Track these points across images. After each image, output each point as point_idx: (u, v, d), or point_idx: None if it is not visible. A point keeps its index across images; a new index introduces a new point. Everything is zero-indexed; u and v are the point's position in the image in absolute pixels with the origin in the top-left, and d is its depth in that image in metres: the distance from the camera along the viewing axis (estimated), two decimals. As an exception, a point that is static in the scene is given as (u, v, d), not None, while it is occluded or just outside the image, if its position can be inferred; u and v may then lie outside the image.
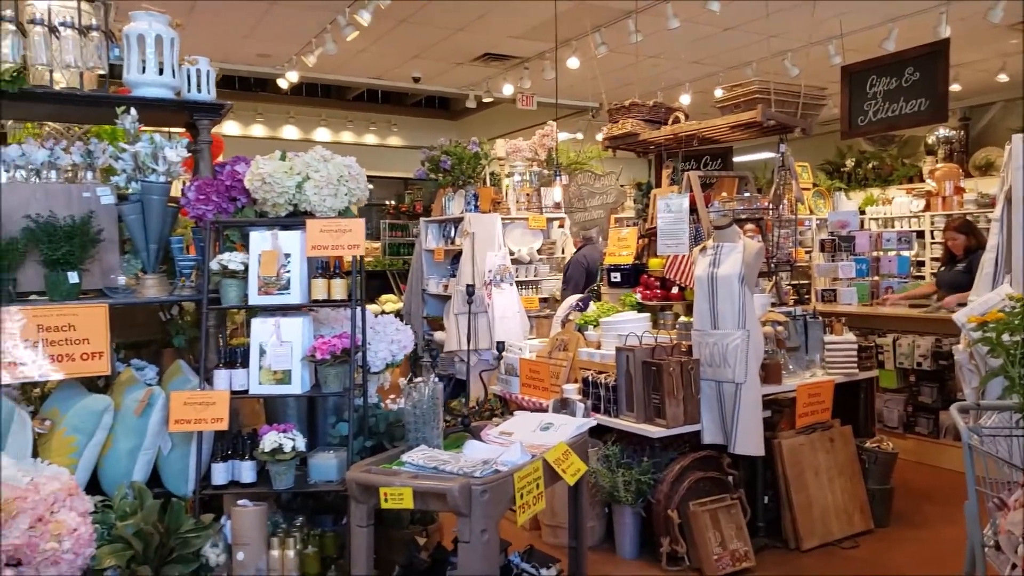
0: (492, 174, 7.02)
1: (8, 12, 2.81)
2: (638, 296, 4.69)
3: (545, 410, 3.92)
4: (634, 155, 6.15)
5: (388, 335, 3.23)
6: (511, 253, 6.48)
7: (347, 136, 12.53)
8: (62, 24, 2.89)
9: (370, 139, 12.73)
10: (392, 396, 3.77)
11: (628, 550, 3.83)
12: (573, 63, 8.13)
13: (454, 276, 6.65)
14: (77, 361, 2.82)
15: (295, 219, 2.99)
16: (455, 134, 13.37)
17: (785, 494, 3.85)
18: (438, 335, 6.65)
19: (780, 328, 4.09)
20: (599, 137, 10.08)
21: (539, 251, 6.79)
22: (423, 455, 2.60)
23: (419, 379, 2.86)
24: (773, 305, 4.44)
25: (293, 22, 7.72)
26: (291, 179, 2.92)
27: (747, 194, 4.88)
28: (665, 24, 6.91)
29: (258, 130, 11.79)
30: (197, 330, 3.41)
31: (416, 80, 9.79)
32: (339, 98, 12.12)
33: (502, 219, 6.48)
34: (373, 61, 9.26)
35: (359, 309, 2.99)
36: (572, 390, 4.21)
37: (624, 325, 4.22)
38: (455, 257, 6.72)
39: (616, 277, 4.96)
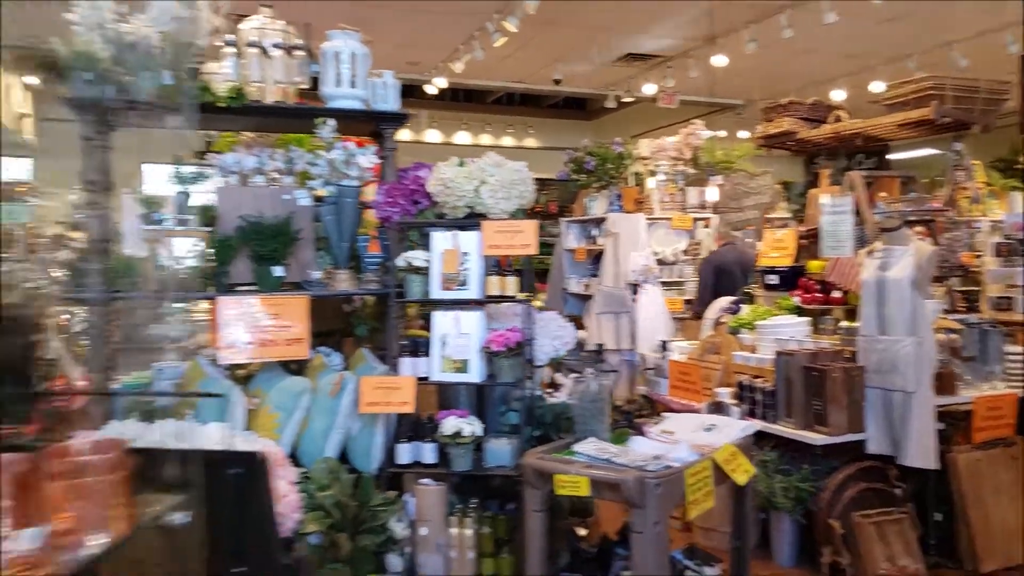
0: (636, 174, 7.05)
1: (230, 37, 3.17)
2: (796, 299, 4.59)
3: (694, 413, 3.95)
4: (783, 154, 6.01)
5: (551, 331, 3.37)
6: (655, 253, 6.49)
7: (486, 139, 12.90)
8: (273, 45, 3.22)
9: (507, 141, 13.03)
10: (548, 390, 3.91)
11: (785, 557, 3.78)
12: (720, 60, 8.01)
13: (595, 276, 6.74)
14: (281, 346, 3.14)
15: (470, 220, 3.19)
16: (591, 134, 13.44)
17: (962, 511, 3.67)
18: (580, 334, 6.77)
19: (954, 336, 3.90)
20: (742, 135, 9.91)
21: (684, 252, 6.75)
22: (594, 447, 2.71)
23: (587, 375, 2.98)
24: (945, 312, 4.23)
25: (443, 31, 8.06)
26: (469, 183, 3.12)
27: (913, 194, 4.67)
28: (820, 19, 6.69)
29: (404, 134, 12.34)
30: (377, 321, 3.71)
31: (557, 82, 9.96)
32: (479, 102, 12.49)
33: (646, 219, 6.50)
34: (516, 65, 9.50)
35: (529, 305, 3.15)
36: (726, 394, 4.20)
37: (783, 329, 4.16)
38: (596, 257, 6.80)
39: (773, 279, 4.87)
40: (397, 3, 7.24)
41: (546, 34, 8.13)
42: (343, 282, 3.28)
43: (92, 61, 3.10)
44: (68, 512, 1.11)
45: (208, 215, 3.31)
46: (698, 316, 6.27)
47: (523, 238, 3.04)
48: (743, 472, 2.75)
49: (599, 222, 6.66)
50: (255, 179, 3.36)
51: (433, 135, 12.44)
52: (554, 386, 4.11)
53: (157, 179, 3.51)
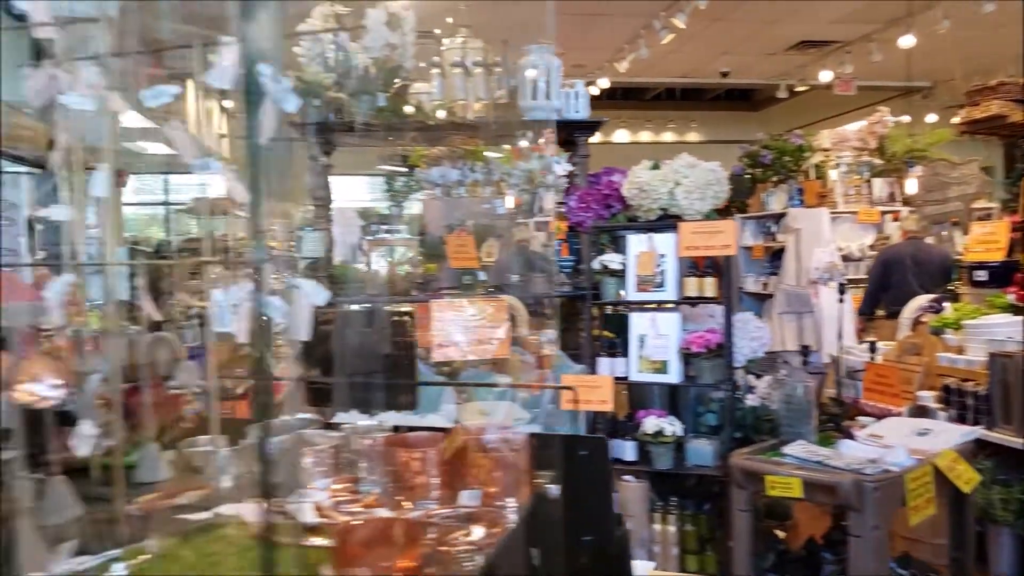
0: (816, 166, 6.77)
1: (435, 59, 3.43)
2: (1011, 297, 4.24)
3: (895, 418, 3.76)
4: (980, 140, 5.54)
5: (749, 332, 3.35)
6: (839, 250, 6.21)
7: (645, 135, 12.81)
8: (474, 64, 3.44)
9: (668, 136, 12.87)
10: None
11: (1006, 571, 3.53)
12: (907, 41, 7.50)
13: (774, 274, 6.54)
14: (485, 345, 3.35)
15: (662, 222, 3.25)
16: (756, 126, 12.98)
17: None
18: (757, 333, 6.60)
19: None
20: (930, 119, 9.21)
21: (871, 247, 6.40)
22: (803, 449, 2.69)
23: (787, 375, 2.95)
24: None
25: (609, 31, 8.13)
26: (665, 186, 3.18)
27: None
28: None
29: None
30: (564, 322, 3.85)
31: (724, 75, 9.74)
32: (637, 99, 12.43)
33: (830, 214, 6.23)
34: (681, 60, 9.39)
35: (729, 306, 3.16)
36: (929, 398, 3.96)
37: (997, 328, 3.86)
38: (774, 254, 6.60)
39: (981, 276, 4.53)
40: (566, 9, 7.39)
41: (714, 28, 7.99)
42: (540, 285, 3.45)
43: (318, 89, 3.47)
44: (493, 481, 1.38)
45: (417, 225, 3.59)
46: (863, 314, 5.94)
47: (722, 239, 3.06)
48: (967, 480, 2.62)
49: (778, 218, 6.47)
50: (458, 191, 3.60)
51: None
52: (747, 387, 4.06)
53: (365, 192, 3.86)
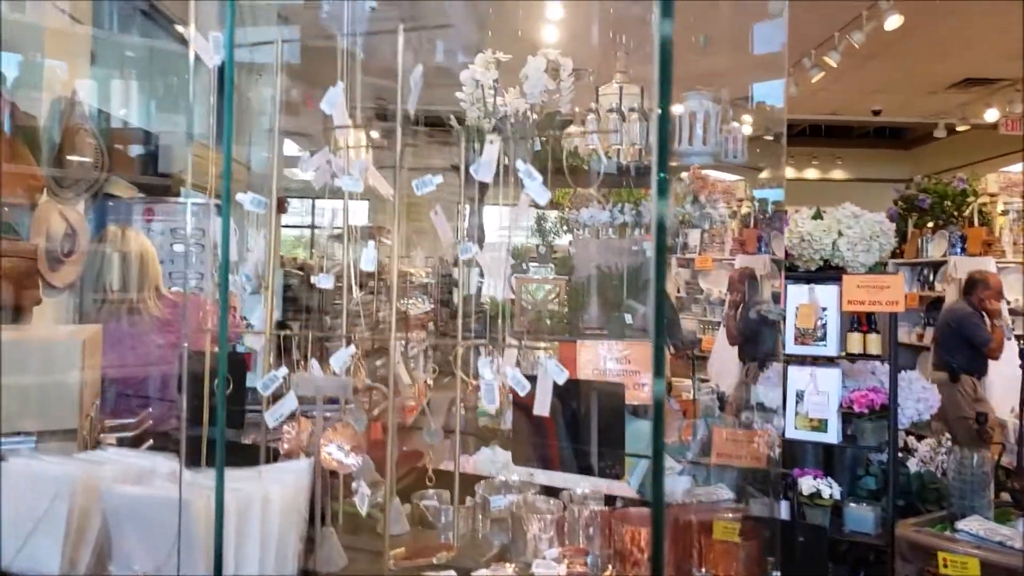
0: (981, 212, 6.32)
1: (593, 105, 3.49)
2: None
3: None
4: None
5: (915, 392, 3.16)
6: (1008, 303, 5.74)
7: (788, 172, 12.40)
8: (630, 109, 3.48)
9: (811, 174, 12.41)
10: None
11: None
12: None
13: (929, 325, 6.14)
14: (630, 389, 3.33)
15: (822, 273, 3.14)
16: (908, 165, 12.29)
17: None
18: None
19: None
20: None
21: (1045, 301, 5.89)
22: (980, 526, 2.49)
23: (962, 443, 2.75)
24: None
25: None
26: (828, 237, 3.08)
27: None
28: None
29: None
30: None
31: (876, 113, 9.31)
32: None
33: (996, 263, 5.79)
34: (830, 98, 9.06)
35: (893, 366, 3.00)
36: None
37: None
38: (931, 304, 6.20)
39: None
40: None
41: (868, 66, 7.67)
42: (686, 329, 3.40)
43: (478, 134, 3.61)
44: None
45: (566, 265, 3.65)
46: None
47: (889, 294, 2.92)
48: None
49: (936, 266, 6.08)
50: (607, 232, 3.63)
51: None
52: (906, 450, 3.82)
53: (515, 230, 3.96)
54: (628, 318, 3.43)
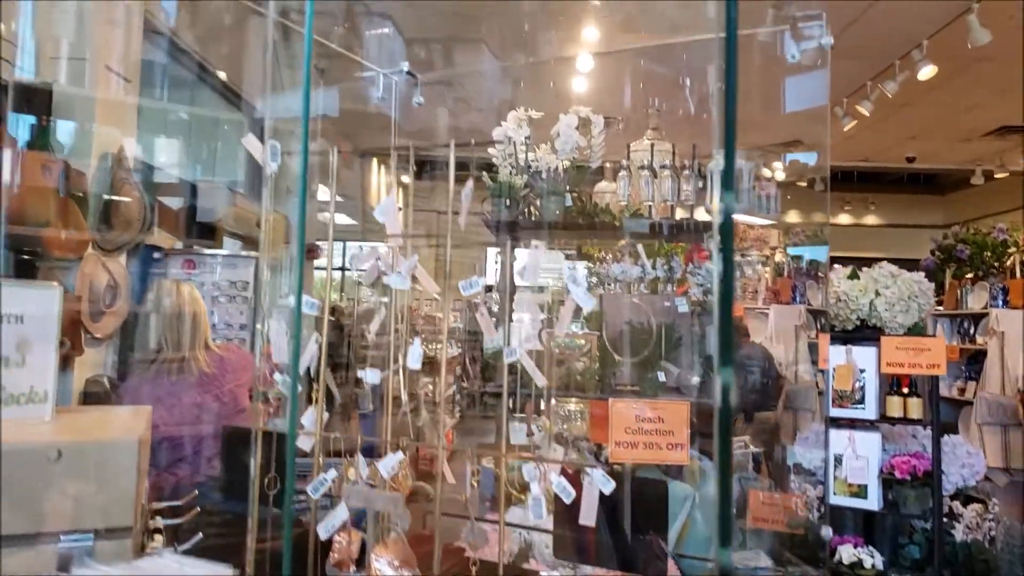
0: (1022, 263, 6.18)
1: (624, 162, 3.51)
2: None
3: None
4: None
5: (959, 458, 3.06)
6: (1054, 357, 5.58)
7: (817, 216, 12.30)
8: (661, 167, 3.49)
9: (844, 219, 12.30)
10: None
11: None
12: None
13: (971, 379, 5.98)
14: (663, 450, 3.27)
15: (860, 332, 3.08)
16: (943, 211, 12.14)
17: None
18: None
19: None
20: None
21: (1092, 356, 5.70)
22: (1033, 604, 2.39)
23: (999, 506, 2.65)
24: None
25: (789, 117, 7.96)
26: (865, 297, 3.03)
27: None
28: None
29: (730, 216, 12.31)
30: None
31: (910, 160, 9.23)
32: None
33: (1040, 317, 5.64)
34: (862, 145, 9.02)
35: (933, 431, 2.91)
36: None
37: None
38: (971, 357, 6.05)
39: None
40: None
41: (901, 114, 7.63)
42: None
43: (511, 189, 3.64)
44: None
45: (596, 319, 3.63)
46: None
47: (930, 357, 2.85)
48: None
49: (977, 318, 5.94)
50: (638, 287, 3.61)
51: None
52: (951, 515, 3.68)
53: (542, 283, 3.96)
54: (661, 376, 3.40)
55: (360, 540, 1.39)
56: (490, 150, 3.78)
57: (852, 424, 3.01)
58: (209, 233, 5.18)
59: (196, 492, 1.38)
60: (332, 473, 1.54)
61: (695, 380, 3.43)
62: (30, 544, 1.04)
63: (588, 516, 0.82)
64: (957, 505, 3.42)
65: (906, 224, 12.09)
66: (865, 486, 2.86)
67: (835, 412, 2.98)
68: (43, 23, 3.42)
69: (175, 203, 4.79)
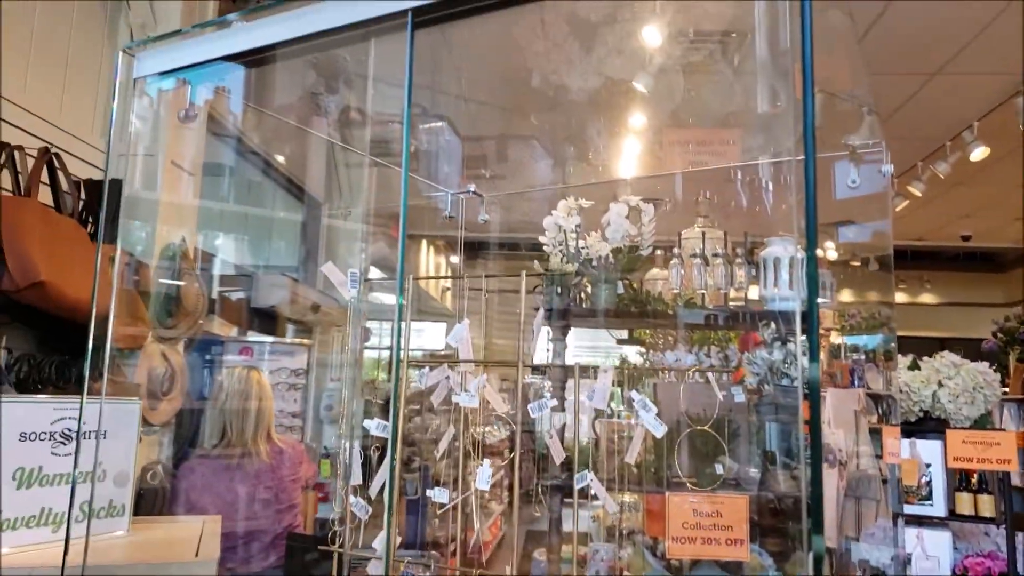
0: (1092, 347, 5.95)
1: (676, 250, 3.55)
2: None
3: None
4: None
5: (1037, 559, 2.91)
6: None
7: (872, 295, 12.07)
8: (713, 255, 3.52)
9: (899, 298, 12.03)
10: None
11: None
12: None
13: (1045, 467, 5.68)
14: (722, 546, 3.18)
15: (923, 425, 2.99)
16: (1002, 289, 11.81)
17: None
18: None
19: None
20: None
21: None
22: None
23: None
24: None
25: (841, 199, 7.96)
26: (927, 388, 2.96)
27: None
28: None
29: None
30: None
31: (966, 239, 9.08)
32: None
33: (1116, 403, 5.38)
34: (915, 224, 8.93)
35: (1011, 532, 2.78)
36: None
37: None
38: (1045, 444, 5.76)
39: None
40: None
41: (954, 193, 7.56)
42: (782, 483, 3.27)
43: (562, 279, 3.70)
44: None
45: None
46: None
47: (999, 452, 2.75)
48: None
49: (1047, 404, 5.69)
50: (693, 376, 3.59)
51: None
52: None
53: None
54: (719, 468, 3.33)
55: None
56: (541, 238, 3.86)
57: (920, 522, 2.90)
58: (268, 321, 5.33)
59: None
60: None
61: (753, 472, 3.35)
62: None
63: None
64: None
65: (965, 302, 11.79)
66: (938, 589, 2.72)
67: (903, 508, 2.87)
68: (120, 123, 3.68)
69: (234, 293, 4.96)
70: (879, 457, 3.11)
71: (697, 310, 3.43)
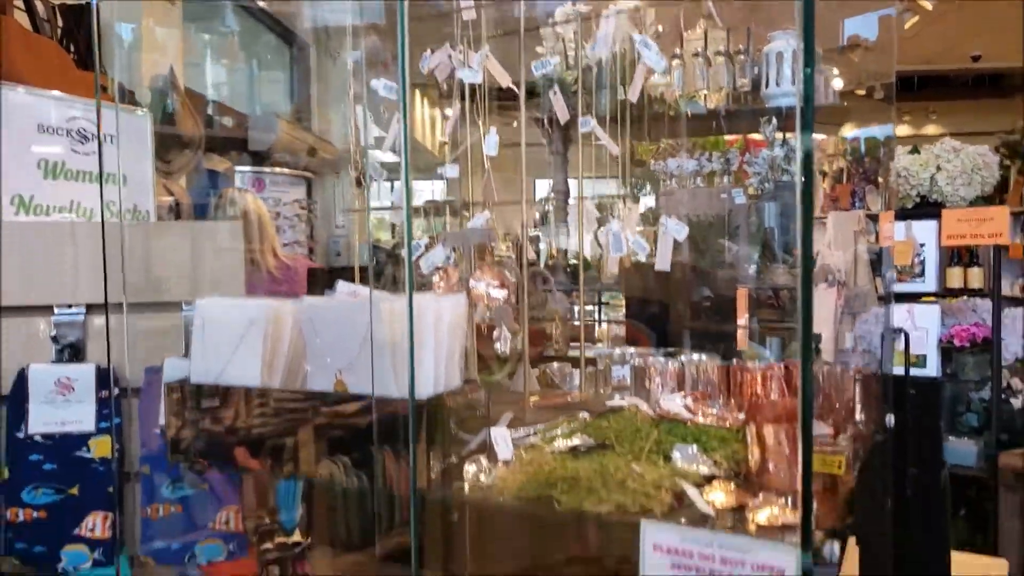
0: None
1: (677, 50, 3.49)
2: None
3: None
4: None
5: (1019, 329, 3.08)
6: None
7: (876, 129, 11.92)
8: (716, 53, 3.46)
9: (903, 130, 11.88)
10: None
11: None
12: None
13: (1035, 276, 5.85)
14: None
15: (921, 209, 3.08)
16: (1010, 116, 11.58)
17: None
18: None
19: None
20: None
21: None
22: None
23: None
24: None
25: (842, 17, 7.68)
26: (925, 171, 3.01)
27: None
28: None
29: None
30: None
31: (975, 59, 8.83)
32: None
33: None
34: (923, 46, 8.65)
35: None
36: None
37: None
38: (1037, 254, 5.90)
39: None
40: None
41: (966, 8, 7.28)
42: (780, 276, 3.39)
43: (561, 85, 3.66)
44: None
45: (652, 216, 3.68)
46: None
47: (992, 226, 2.85)
48: None
49: (1040, 214, 5.77)
50: (695, 181, 3.64)
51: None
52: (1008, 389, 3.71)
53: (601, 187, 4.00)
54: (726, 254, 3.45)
55: (457, 276, 1.55)
56: (538, 48, 3.78)
57: (911, 300, 3.04)
58: (260, 162, 5.31)
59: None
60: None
61: (752, 270, 3.47)
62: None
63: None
64: (1017, 382, 3.45)
65: (970, 132, 11.64)
66: (924, 356, 2.90)
67: (896, 287, 3.01)
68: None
69: (228, 128, 4.90)
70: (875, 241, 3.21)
71: (700, 104, 3.43)
